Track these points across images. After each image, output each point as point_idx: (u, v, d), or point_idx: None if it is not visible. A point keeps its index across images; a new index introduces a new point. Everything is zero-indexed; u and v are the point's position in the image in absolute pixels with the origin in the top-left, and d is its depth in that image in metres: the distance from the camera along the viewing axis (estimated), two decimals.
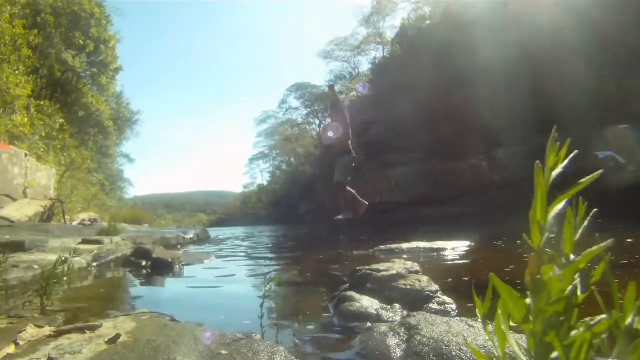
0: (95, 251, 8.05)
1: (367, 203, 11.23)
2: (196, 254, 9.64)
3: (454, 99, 22.90)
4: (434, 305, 3.51)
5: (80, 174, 28.68)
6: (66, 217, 17.26)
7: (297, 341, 2.84)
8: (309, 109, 63.00)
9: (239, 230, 29.54)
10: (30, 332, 2.68)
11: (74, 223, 16.37)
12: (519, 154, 20.64)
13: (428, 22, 35.40)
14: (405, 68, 30.29)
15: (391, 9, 45.37)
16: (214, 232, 21.99)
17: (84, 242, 9.22)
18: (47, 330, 2.75)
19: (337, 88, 54.14)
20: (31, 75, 24.44)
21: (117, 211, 32.52)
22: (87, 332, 2.66)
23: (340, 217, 11.53)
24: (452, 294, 3.77)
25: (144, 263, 7.58)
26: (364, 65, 52.04)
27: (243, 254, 10.03)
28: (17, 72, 20.88)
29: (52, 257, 6.80)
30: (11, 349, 2.41)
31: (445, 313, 3.30)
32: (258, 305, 2.87)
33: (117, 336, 2.42)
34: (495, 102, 21.64)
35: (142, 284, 5.96)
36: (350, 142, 11.16)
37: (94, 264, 7.42)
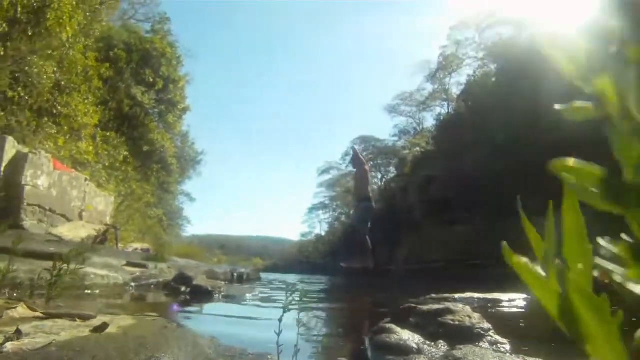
0: (138, 273, 7.94)
1: (372, 264, 11.18)
2: (240, 288, 9.36)
3: (517, 158, 22.30)
4: (484, 344, 3.03)
5: (138, 205, 28.88)
6: (119, 244, 17.30)
7: None
8: (371, 162, 62.74)
9: (291, 277, 29.22)
10: (20, 311, 2.61)
11: (127, 250, 16.35)
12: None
13: (494, 79, 34.84)
14: (469, 126, 29.85)
15: (457, 65, 44.95)
16: (266, 276, 21.76)
17: (129, 264, 9.13)
18: (38, 312, 2.64)
19: (400, 143, 53.89)
20: (100, 106, 25.03)
21: (170, 245, 32.69)
22: (77, 319, 2.50)
23: (344, 264, 12.37)
24: (506, 335, 3.29)
25: (183, 289, 7.35)
26: (429, 120, 51.65)
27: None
28: (86, 101, 21.34)
29: (89, 270, 6.71)
30: None
31: (497, 352, 2.83)
32: (292, 335, 2.51)
33: (104, 326, 2.22)
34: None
35: (174, 305, 5.73)
36: (370, 190, 11.60)
37: (133, 284, 7.26)
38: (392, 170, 57.16)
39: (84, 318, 2.51)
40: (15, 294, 3.75)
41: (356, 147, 12.47)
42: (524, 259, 0.55)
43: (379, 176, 62.16)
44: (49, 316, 2.49)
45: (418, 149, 46.01)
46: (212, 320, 4.77)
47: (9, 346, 1.87)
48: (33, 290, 3.80)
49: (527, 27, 29.58)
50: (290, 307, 2.60)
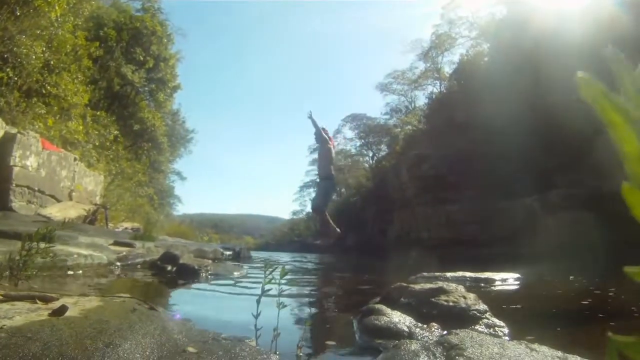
0: (124, 252, 7.80)
1: (339, 231, 11.27)
2: (227, 266, 9.18)
3: (509, 138, 22.17)
4: (481, 327, 2.85)
5: (128, 184, 28.70)
6: (109, 223, 17.11)
7: (300, 353, 2.27)
8: (363, 140, 62.41)
9: (283, 255, 29.19)
10: None
11: (117, 230, 16.18)
12: (573, 197, 19.77)
13: (486, 58, 34.60)
14: (462, 104, 29.65)
15: (450, 44, 44.58)
16: (257, 255, 21.65)
17: (115, 243, 9.01)
18: None
19: (391, 121, 53.80)
20: (90, 86, 24.75)
21: (162, 224, 32.52)
22: (38, 302, 2.34)
23: (318, 242, 11.99)
24: (503, 318, 3.11)
25: (169, 268, 7.20)
26: (421, 99, 51.26)
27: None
28: (76, 81, 21.07)
29: (73, 249, 6.55)
30: None
31: (495, 337, 2.64)
32: (274, 316, 2.33)
33: (63, 309, 2.04)
34: (551, 143, 20.88)
35: (159, 284, 5.70)
36: (332, 168, 11.48)
37: (118, 263, 7.12)
38: (384, 149, 56.96)
39: (46, 300, 2.33)
40: None
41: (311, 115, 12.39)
42: None
43: (370, 154, 62.01)
44: (7, 298, 2.31)
45: (410, 127, 45.89)
46: (191, 300, 4.62)
47: None
48: (13, 272, 3.57)
49: (520, 6, 29.29)
50: (272, 286, 2.42)
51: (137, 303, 2.47)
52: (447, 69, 45.04)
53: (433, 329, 2.71)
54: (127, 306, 2.30)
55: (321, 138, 11.37)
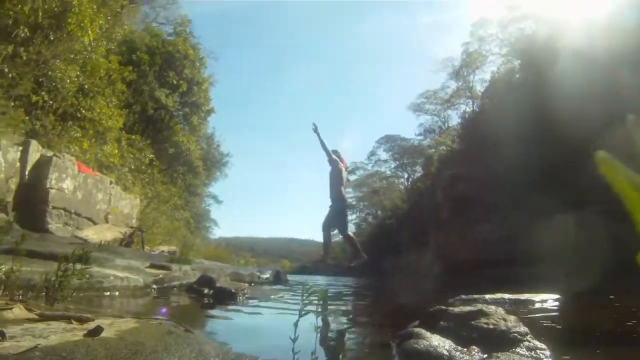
0: (160, 275, 7.84)
1: (365, 257, 11.57)
2: (264, 290, 9.22)
3: (543, 156, 21.87)
4: (522, 350, 2.77)
5: (164, 207, 28.93)
6: (145, 246, 17.27)
7: None
8: (397, 162, 62.21)
9: (319, 278, 29.07)
10: (16, 312, 2.51)
11: (153, 253, 16.33)
12: (608, 213, 19.37)
13: (517, 75, 34.22)
14: (494, 123, 29.32)
15: (480, 62, 44.22)
16: (293, 278, 21.63)
17: (152, 266, 9.06)
18: (34, 314, 2.51)
19: (425, 142, 53.51)
20: (124, 109, 25.14)
21: (198, 248, 32.68)
22: (73, 322, 2.37)
23: (353, 264, 12.54)
24: (544, 340, 3.03)
25: (206, 291, 7.20)
26: (454, 119, 50.82)
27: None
28: (110, 104, 21.46)
29: (109, 271, 6.61)
30: None
31: None
32: (312, 338, 2.31)
33: (99, 330, 2.06)
34: (586, 158, 20.54)
35: (195, 307, 5.76)
36: (342, 189, 11.77)
37: (154, 286, 7.15)
38: (419, 170, 56.65)
39: (81, 321, 2.35)
40: (27, 296, 3.61)
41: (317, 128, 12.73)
42: None
43: (405, 176, 61.79)
44: (43, 318, 2.35)
45: (444, 147, 45.49)
46: (227, 323, 4.61)
47: None
48: (48, 292, 3.63)
49: (548, 20, 29.13)
50: (309, 310, 2.40)
51: (173, 325, 2.47)
52: (479, 87, 44.77)
53: (473, 353, 2.65)
54: (163, 328, 2.30)
55: (332, 159, 11.65)
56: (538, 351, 2.77)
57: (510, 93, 31.00)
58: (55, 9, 15.94)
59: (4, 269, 3.55)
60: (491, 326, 3.00)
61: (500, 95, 33.86)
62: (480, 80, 45.00)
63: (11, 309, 2.45)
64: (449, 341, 2.78)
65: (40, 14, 15.36)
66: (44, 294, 3.60)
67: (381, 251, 49.99)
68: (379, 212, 65.07)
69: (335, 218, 11.62)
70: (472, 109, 45.23)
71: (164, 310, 4.70)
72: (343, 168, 11.89)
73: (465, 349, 2.67)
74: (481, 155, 28.69)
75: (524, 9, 37.22)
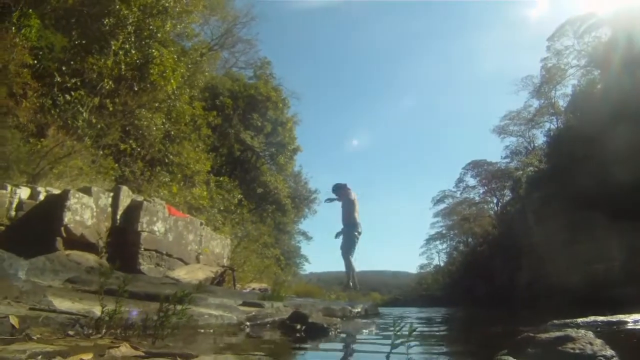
0: (253, 312, 8.01)
1: (356, 287, 15.16)
2: (357, 324, 9.32)
3: (634, 168, 20.97)
4: None
5: (254, 246, 29.41)
6: (237, 284, 17.56)
7: None
8: (485, 187, 60.89)
9: (412, 310, 28.80)
10: (123, 350, 2.73)
11: (244, 291, 16.63)
12: None
13: (599, 85, 33.00)
14: (580, 138, 28.36)
15: (560, 77, 42.72)
16: (385, 310, 21.53)
17: (244, 304, 9.23)
18: (140, 351, 2.75)
19: (512, 164, 52.31)
20: (211, 153, 26.11)
21: (289, 284, 32.94)
22: (178, 359, 2.46)
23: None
24: None
25: (298, 327, 7.30)
26: (540, 138, 49.24)
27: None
28: (197, 149, 22.35)
29: (203, 310, 6.85)
30: (88, 356, 2.50)
31: None
32: None
33: None
34: None
35: (288, 343, 5.90)
36: (356, 216, 13.55)
37: (248, 323, 7.31)
38: (507, 194, 55.25)
39: (185, 357, 2.53)
40: (126, 334, 3.87)
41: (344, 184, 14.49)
42: None
43: (495, 200, 60.43)
44: (149, 355, 2.54)
45: (531, 168, 44.25)
46: (321, 357, 4.72)
47: None
48: (146, 331, 3.96)
49: (624, 24, 28.19)
50: (401, 342, 2.50)
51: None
52: (562, 103, 43.50)
53: None
54: None
55: (343, 195, 13.52)
56: None
57: (594, 105, 30.01)
58: (137, 61, 16.90)
59: (107, 310, 3.82)
60: (577, 351, 3.00)
61: (584, 109, 32.86)
62: (563, 95, 43.70)
63: (118, 347, 2.66)
64: None
65: (122, 66, 16.28)
66: (138, 332, 3.87)
67: (474, 279, 49.01)
68: (470, 239, 63.80)
69: (344, 240, 13.27)
70: (556, 125, 43.96)
71: (134, 312, 4.77)
72: (354, 198, 13.66)
73: None
74: (570, 173, 27.82)
75: (599, 15, 36.36)
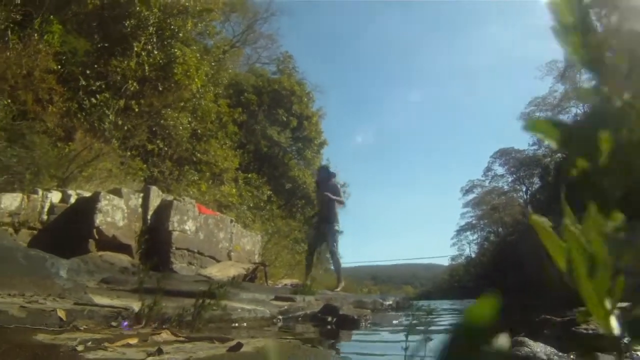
0: (285, 306, 8.13)
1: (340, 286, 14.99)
2: (387, 315, 9.44)
3: None
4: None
5: (285, 241, 29.41)
6: (269, 280, 17.69)
7: None
8: (514, 176, 60.36)
9: (442, 302, 28.71)
10: (164, 336, 2.97)
11: (277, 287, 16.76)
12: None
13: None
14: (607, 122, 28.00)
15: None
16: (417, 303, 21.47)
17: (276, 298, 9.33)
18: (180, 337, 2.98)
19: (540, 151, 51.60)
20: (238, 150, 26.27)
21: (321, 279, 32.89)
22: (215, 342, 2.71)
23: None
24: None
25: (329, 319, 7.44)
26: None
27: (439, 320, 9.59)
28: (224, 146, 22.46)
29: (236, 304, 7.03)
30: (134, 341, 2.74)
31: None
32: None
33: (239, 346, 2.43)
34: None
35: (319, 332, 6.16)
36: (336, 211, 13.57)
37: (280, 317, 7.42)
38: (536, 181, 54.59)
39: (222, 340, 2.72)
40: (164, 327, 4.08)
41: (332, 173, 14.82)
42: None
43: (524, 189, 59.82)
44: (189, 339, 2.75)
45: (559, 155, 43.69)
46: (350, 344, 4.89)
47: None
48: (182, 324, 4.16)
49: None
50: (417, 331, 2.62)
51: (302, 343, 2.81)
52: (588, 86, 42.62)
53: (571, 357, 2.80)
54: (292, 344, 2.65)
55: (331, 185, 13.61)
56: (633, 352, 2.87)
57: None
58: (160, 61, 17.01)
59: (146, 304, 4.04)
60: (590, 331, 3.13)
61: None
62: (588, 78, 42.97)
63: (159, 333, 2.88)
64: (551, 348, 2.93)
65: (146, 67, 16.44)
66: (175, 323, 4.10)
67: (505, 269, 48.52)
68: (500, 229, 63.15)
69: (332, 238, 13.68)
70: (582, 110, 43.27)
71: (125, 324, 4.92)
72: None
73: (564, 354, 2.82)
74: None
75: None
